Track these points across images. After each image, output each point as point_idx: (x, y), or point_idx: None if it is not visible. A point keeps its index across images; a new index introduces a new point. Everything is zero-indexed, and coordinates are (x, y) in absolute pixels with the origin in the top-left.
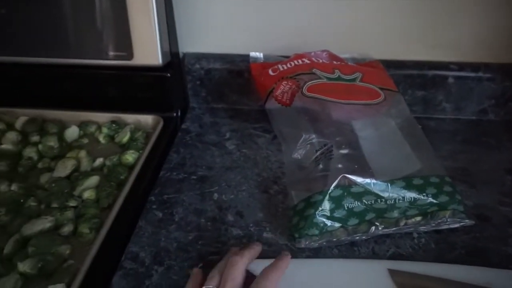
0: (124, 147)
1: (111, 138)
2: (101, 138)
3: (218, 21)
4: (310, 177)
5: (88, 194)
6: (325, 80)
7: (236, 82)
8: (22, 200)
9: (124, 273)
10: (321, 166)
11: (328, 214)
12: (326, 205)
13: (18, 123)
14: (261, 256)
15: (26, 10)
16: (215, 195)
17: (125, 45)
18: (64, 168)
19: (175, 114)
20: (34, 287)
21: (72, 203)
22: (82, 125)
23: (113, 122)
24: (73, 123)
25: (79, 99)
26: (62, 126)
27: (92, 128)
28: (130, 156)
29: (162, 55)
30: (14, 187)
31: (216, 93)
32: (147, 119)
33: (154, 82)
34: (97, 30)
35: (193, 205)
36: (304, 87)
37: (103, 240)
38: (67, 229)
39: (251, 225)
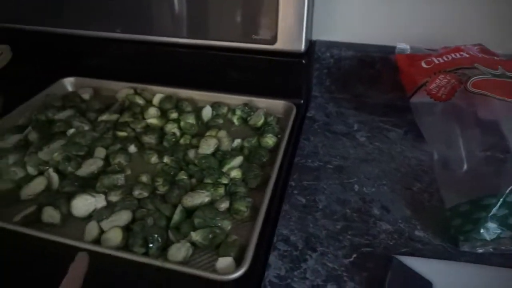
0: (259, 130)
1: (243, 120)
2: (235, 120)
3: (353, 10)
4: (467, 179)
5: (235, 173)
6: (489, 76)
7: (366, 73)
8: (172, 173)
9: (279, 254)
10: (486, 167)
11: (501, 219)
12: (500, 209)
13: (155, 100)
14: (416, 254)
15: None
16: (356, 187)
17: (270, 30)
18: (208, 146)
19: (302, 101)
20: (201, 257)
21: (224, 181)
22: (215, 105)
23: (245, 105)
24: (205, 103)
25: (212, 80)
26: (194, 105)
27: (224, 110)
28: (270, 140)
29: (305, 41)
30: (166, 159)
31: (341, 83)
32: (278, 104)
33: (290, 68)
34: (244, 13)
35: (335, 194)
36: (468, 83)
37: (263, 219)
38: (224, 205)
39: (399, 221)
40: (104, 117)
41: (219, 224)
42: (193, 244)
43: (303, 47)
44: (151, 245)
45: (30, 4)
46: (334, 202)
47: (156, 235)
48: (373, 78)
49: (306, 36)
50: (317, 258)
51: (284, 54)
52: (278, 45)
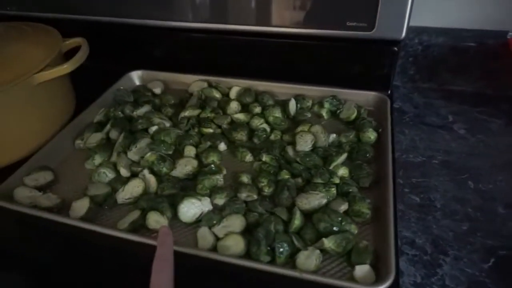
0: (352, 124)
1: (332, 113)
2: (324, 113)
3: None
4: None
5: (342, 172)
6: None
7: (456, 60)
8: (272, 172)
9: (408, 259)
10: None
11: None
12: None
13: (232, 93)
14: None
15: None
16: (470, 183)
17: (368, 16)
18: (305, 142)
19: (389, 92)
20: (330, 265)
21: (336, 180)
22: (298, 98)
23: (333, 97)
24: (284, 95)
25: (292, 71)
26: (274, 98)
27: (309, 103)
28: (371, 134)
29: (406, 28)
30: (265, 158)
31: (426, 72)
32: (367, 96)
33: (382, 57)
34: None
35: (450, 192)
36: None
37: (394, 223)
38: (343, 207)
39: None
40: (186, 113)
41: (347, 229)
42: (322, 251)
43: (403, 34)
44: (280, 254)
45: None
46: (452, 201)
47: (284, 243)
48: (462, 66)
49: (408, 23)
50: (452, 263)
51: (376, 42)
52: (376, 33)
